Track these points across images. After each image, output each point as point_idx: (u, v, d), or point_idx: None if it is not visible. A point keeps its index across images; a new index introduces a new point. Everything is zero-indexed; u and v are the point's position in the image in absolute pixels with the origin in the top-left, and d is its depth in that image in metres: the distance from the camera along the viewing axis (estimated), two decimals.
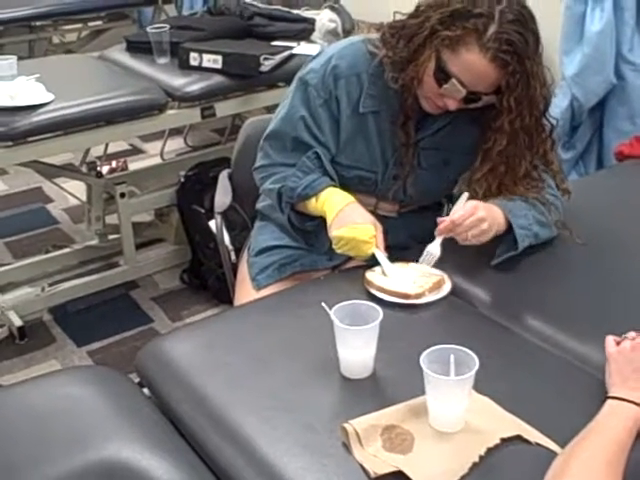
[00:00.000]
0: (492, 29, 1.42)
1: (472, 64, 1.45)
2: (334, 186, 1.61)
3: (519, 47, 1.42)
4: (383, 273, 1.53)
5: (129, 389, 1.33)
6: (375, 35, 1.62)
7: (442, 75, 1.48)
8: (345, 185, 1.64)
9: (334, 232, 1.54)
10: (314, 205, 1.60)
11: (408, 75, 1.53)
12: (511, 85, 1.45)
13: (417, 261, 1.55)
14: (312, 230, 1.67)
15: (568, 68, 2.37)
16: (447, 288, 1.51)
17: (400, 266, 1.55)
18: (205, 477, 1.15)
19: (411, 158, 1.65)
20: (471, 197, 1.57)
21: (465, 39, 1.44)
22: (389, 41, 1.57)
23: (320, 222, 1.61)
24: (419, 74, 1.51)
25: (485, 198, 1.57)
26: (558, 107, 2.39)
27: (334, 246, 1.56)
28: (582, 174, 2.52)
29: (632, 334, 1.26)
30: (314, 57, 1.68)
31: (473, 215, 1.48)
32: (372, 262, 1.55)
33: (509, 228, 1.54)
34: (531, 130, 1.53)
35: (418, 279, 1.51)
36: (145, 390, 1.36)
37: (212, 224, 2.16)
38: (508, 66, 1.43)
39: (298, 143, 1.64)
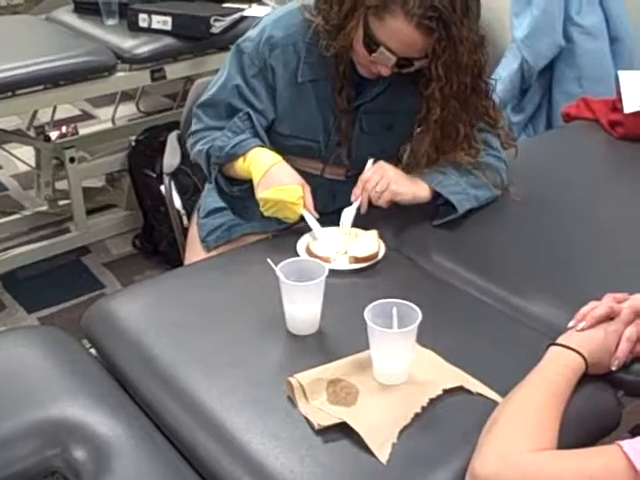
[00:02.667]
0: None
1: (398, 31, 1.43)
2: (263, 146, 1.57)
3: (444, 13, 1.40)
4: (312, 237, 1.53)
5: (74, 348, 1.33)
6: (311, 1, 1.60)
7: (371, 43, 1.47)
8: (289, 153, 1.63)
9: (260, 194, 1.52)
10: (241, 166, 1.56)
11: (339, 43, 1.51)
12: (437, 52, 1.44)
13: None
14: (239, 197, 1.64)
15: (518, 30, 2.38)
16: (375, 248, 1.51)
17: (331, 229, 1.56)
18: (150, 433, 1.15)
19: (351, 124, 1.65)
20: (414, 164, 1.60)
21: (390, 6, 1.41)
22: (323, 8, 1.54)
23: (248, 188, 1.59)
24: (348, 42, 1.50)
25: (427, 165, 1.60)
26: (508, 69, 2.41)
27: (261, 209, 1.54)
28: (532, 137, 2.54)
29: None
30: (254, 24, 1.65)
31: (378, 168, 1.55)
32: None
33: (442, 198, 1.57)
34: (463, 96, 1.51)
35: (345, 242, 1.52)
36: (92, 350, 1.36)
37: (163, 188, 2.14)
38: (434, 32, 1.41)
39: (233, 110, 1.61)
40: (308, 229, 1.56)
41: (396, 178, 1.55)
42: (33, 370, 1.25)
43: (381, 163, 1.57)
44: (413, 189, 1.56)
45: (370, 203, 1.56)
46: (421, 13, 1.40)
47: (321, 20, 1.54)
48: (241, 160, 1.56)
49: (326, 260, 1.46)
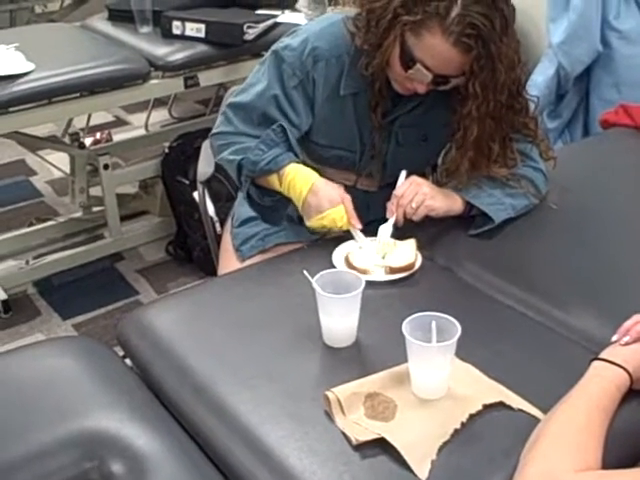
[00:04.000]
0: (455, 12, 1.38)
1: (435, 49, 1.41)
2: (297, 162, 1.55)
3: (483, 30, 1.38)
4: (351, 248, 1.52)
5: (110, 359, 1.33)
6: (354, 10, 1.58)
7: (407, 60, 1.45)
8: (324, 163, 1.62)
9: (307, 224, 1.53)
10: (277, 185, 1.55)
11: (376, 60, 1.50)
12: (475, 70, 1.42)
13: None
14: (271, 206, 1.62)
15: (554, 35, 2.35)
16: (412, 259, 1.49)
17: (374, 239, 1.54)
18: (187, 446, 1.15)
19: (387, 138, 1.64)
20: (447, 180, 1.59)
21: (427, 23, 1.40)
22: (362, 24, 1.53)
23: (280, 199, 1.58)
24: (385, 59, 1.49)
25: (461, 181, 1.58)
26: (544, 75, 2.38)
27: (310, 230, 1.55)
28: (568, 143, 2.50)
29: None
30: (291, 32, 1.63)
31: (412, 184, 1.53)
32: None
33: (478, 210, 1.55)
34: (499, 114, 1.49)
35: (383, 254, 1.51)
36: (127, 361, 1.36)
37: (196, 195, 2.14)
38: (472, 50, 1.40)
39: (266, 118, 1.58)
40: (343, 239, 1.55)
41: (431, 193, 1.53)
42: (69, 381, 1.25)
43: (414, 178, 1.55)
44: (447, 203, 1.55)
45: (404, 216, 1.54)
46: (459, 30, 1.38)
47: (361, 37, 1.53)
48: (277, 180, 1.55)
49: (364, 272, 1.45)
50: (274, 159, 1.54)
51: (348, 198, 1.52)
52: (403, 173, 1.59)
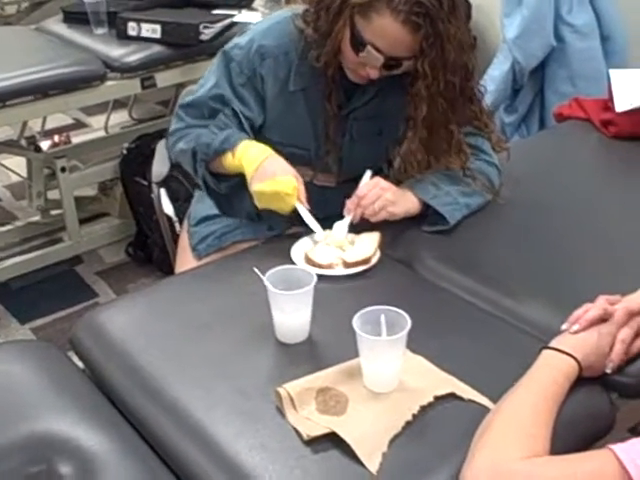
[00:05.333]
0: None
1: (384, 29, 1.41)
2: (250, 139, 1.56)
3: (430, 9, 1.38)
4: (310, 241, 1.52)
5: (62, 362, 1.31)
6: (301, 8, 1.58)
7: (358, 43, 1.45)
8: None
9: (255, 187, 1.50)
10: (230, 161, 1.54)
11: (328, 48, 1.50)
12: (424, 49, 1.42)
13: None
14: (226, 194, 1.62)
15: (509, 31, 2.37)
16: (368, 253, 1.49)
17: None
18: (138, 446, 1.13)
19: (342, 131, 1.63)
20: (405, 169, 1.59)
21: (375, 4, 1.40)
22: (311, 18, 1.53)
23: (236, 184, 1.57)
24: (336, 45, 1.49)
25: (418, 170, 1.58)
26: (499, 70, 2.40)
27: (256, 202, 1.52)
28: (525, 137, 2.53)
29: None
30: (241, 32, 1.63)
31: (376, 187, 1.52)
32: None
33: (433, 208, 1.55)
34: (450, 95, 1.49)
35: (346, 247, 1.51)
36: (80, 363, 1.34)
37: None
38: (420, 29, 1.40)
39: (216, 112, 1.59)
40: (300, 236, 1.54)
41: (393, 199, 1.53)
42: (19, 385, 1.23)
43: (379, 181, 1.54)
44: (407, 206, 1.55)
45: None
46: (407, 9, 1.39)
47: (311, 30, 1.53)
48: (230, 156, 1.54)
49: (328, 267, 1.45)
50: (227, 138, 1.54)
51: (301, 179, 1.52)
52: (368, 173, 1.58)
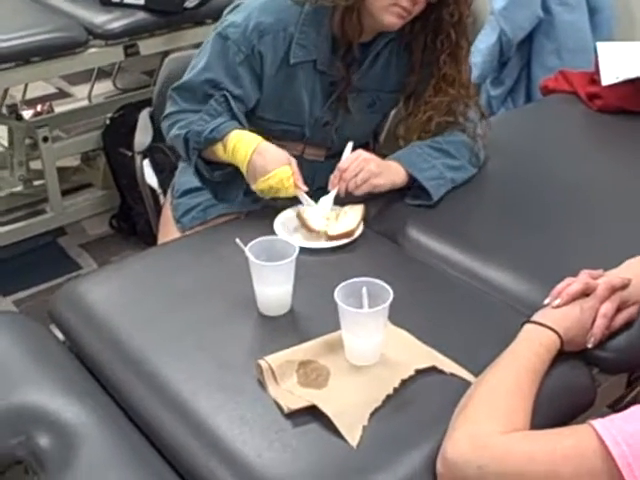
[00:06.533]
0: None
1: None
2: (241, 128, 1.53)
3: None
4: (298, 214, 1.51)
5: (41, 334, 1.29)
6: None
7: None
8: (271, 137, 1.59)
9: (253, 187, 1.51)
10: (222, 153, 1.52)
11: None
12: None
13: None
14: (221, 181, 1.60)
15: (497, 2, 2.34)
16: (351, 226, 1.49)
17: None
18: (117, 418, 1.12)
19: (344, 101, 1.63)
20: (398, 135, 1.61)
21: None
22: None
23: (229, 173, 1.56)
24: None
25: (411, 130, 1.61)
26: (486, 42, 2.38)
27: (260, 195, 1.53)
28: (511, 110, 2.51)
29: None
30: (232, 9, 1.60)
31: (358, 159, 1.51)
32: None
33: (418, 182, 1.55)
34: (465, 30, 1.55)
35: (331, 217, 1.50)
36: (59, 335, 1.33)
37: None
38: None
39: (209, 95, 1.56)
40: (282, 208, 1.53)
41: (377, 171, 1.51)
42: None
43: (361, 152, 1.53)
44: (391, 178, 1.54)
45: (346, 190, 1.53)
46: None
47: None
48: (221, 148, 1.52)
49: (317, 233, 1.46)
50: (217, 127, 1.51)
51: (294, 160, 1.51)
52: (349, 145, 1.58)
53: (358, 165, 1.50)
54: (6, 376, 1.17)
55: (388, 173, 1.54)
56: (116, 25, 2.48)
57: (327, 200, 1.53)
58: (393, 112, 1.83)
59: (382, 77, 1.65)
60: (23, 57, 2.34)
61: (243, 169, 1.50)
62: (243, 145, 1.50)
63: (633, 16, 2.45)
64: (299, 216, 1.49)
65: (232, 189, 1.63)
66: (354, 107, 1.65)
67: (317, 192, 1.55)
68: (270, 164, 1.48)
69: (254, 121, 1.62)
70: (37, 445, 1.07)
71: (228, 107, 1.55)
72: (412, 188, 1.57)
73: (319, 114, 1.64)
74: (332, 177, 1.53)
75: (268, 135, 1.57)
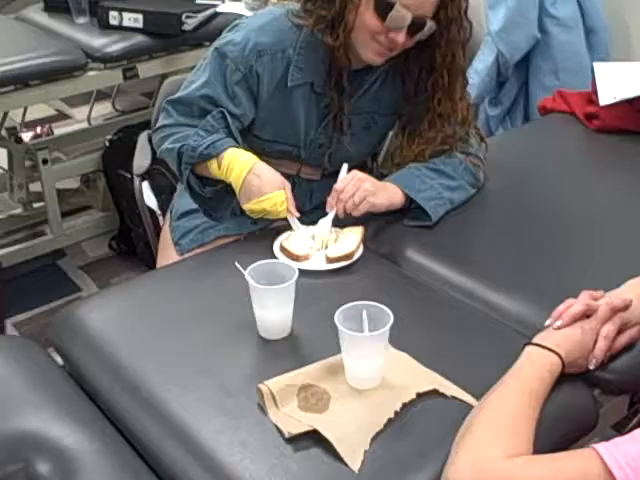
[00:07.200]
0: None
1: None
2: (237, 147, 1.53)
3: None
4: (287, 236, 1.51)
5: (41, 358, 1.29)
6: (293, 3, 1.58)
7: (383, 6, 1.44)
8: (267, 156, 1.59)
9: (244, 206, 1.50)
10: (216, 169, 1.51)
11: (341, 28, 1.49)
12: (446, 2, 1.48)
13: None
14: (211, 198, 1.59)
15: (493, 23, 2.36)
16: (351, 248, 1.48)
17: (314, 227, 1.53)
18: (117, 443, 1.12)
19: (339, 124, 1.63)
20: (390, 161, 1.60)
21: None
22: (310, 9, 1.53)
23: (221, 189, 1.56)
24: (354, 19, 1.48)
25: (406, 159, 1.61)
26: (484, 62, 2.39)
27: (249, 214, 1.52)
28: (509, 129, 2.52)
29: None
30: (231, 28, 1.61)
31: (353, 179, 1.51)
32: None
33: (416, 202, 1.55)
34: (463, 40, 1.54)
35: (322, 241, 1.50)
36: (59, 359, 1.33)
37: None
38: None
39: (206, 111, 1.56)
40: (282, 230, 1.53)
41: (373, 190, 1.52)
42: None
43: (356, 173, 1.53)
44: (388, 198, 1.54)
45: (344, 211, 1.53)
46: None
47: (314, 19, 1.52)
48: (216, 165, 1.51)
49: (304, 258, 1.44)
50: (213, 144, 1.51)
51: (288, 185, 1.51)
52: (345, 166, 1.58)
53: (354, 185, 1.51)
54: (5, 401, 1.17)
55: (384, 192, 1.54)
56: (115, 48, 2.48)
57: (326, 222, 1.52)
58: (391, 133, 1.83)
59: (377, 100, 1.65)
60: (23, 81, 2.34)
61: (236, 187, 1.50)
62: (238, 164, 1.50)
63: (629, 36, 2.46)
64: (282, 249, 1.47)
65: (222, 206, 1.63)
66: (349, 129, 1.66)
67: (314, 211, 1.56)
68: (266, 186, 1.48)
69: (250, 140, 1.62)
70: (36, 471, 1.06)
71: (225, 124, 1.55)
72: (411, 209, 1.57)
73: (314, 136, 1.65)
74: (329, 199, 1.53)
75: (264, 154, 1.58)
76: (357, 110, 1.65)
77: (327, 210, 1.53)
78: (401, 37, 1.48)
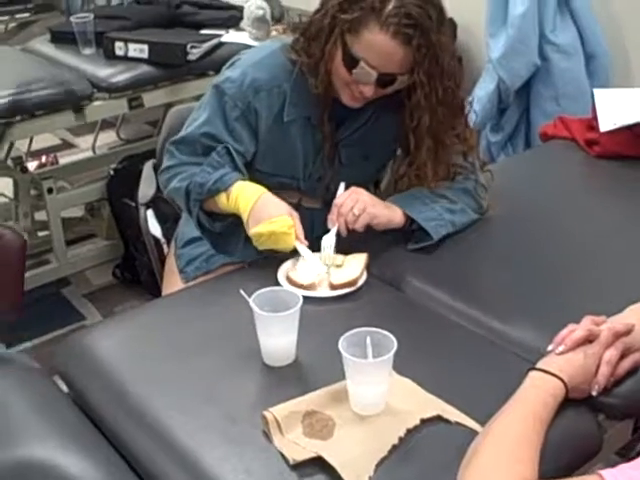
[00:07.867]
0: (390, 5, 1.40)
1: (375, 44, 1.43)
2: (244, 179, 1.55)
3: (420, 20, 1.40)
4: (292, 264, 1.51)
5: (46, 386, 1.29)
6: (291, 38, 1.60)
7: (350, 60, 1.46)
8: (267, 188, 1.59)
9: (252, 230, 1.49)
10: (224, 202, 1.53)
11: (321, 72, 1.51)
12: (418, 60, 1.44)
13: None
14: (221, 233, 1.60)
15: (494, 51, 2.39)
16: (355, 275, 1.48)
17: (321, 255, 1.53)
18: (123, 472, 1.12)
19: (332, 157, 1.65)
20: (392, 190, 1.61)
21: (364, 20, 1.42)
22: (301, 46, 1.55)
23: (229, 224, 1.57)
24: (329, 67, 1.50)
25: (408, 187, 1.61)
26: (485, 90, 2.41)
27: (255, 243, 1.51)
28: (510, 156, 2.54)
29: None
30: (230, 65, 1.64)
31: (352, 193, 1.53)
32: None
33: (418, 224, 1.55)
34: (449, 101, 1.51)
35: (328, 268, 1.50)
36: (64, 386, 1.33)
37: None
38: (412, 40, 1.41)
39: (209, 148, 1.58)
40: (287, 257, 1.54)
41: (372, 202, 1.53)
42: (1, 410, 1.21)
43: (354, 188, 1.55)
44: (388, 213, 1.55)
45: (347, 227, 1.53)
46: (397, 22, 1.40)
47: (303, 58, 1.54)
48: (224, 198, 1.52)
49: (309, 287, 1.44)
50: (221, 178, 1.53)
51: (296, 214, 1.52)
52: (342, 184, 1.59)
53: (353, 198, 1.52)
54: (10, 428, 1.17)
55: (384, 207, 1.55)
56: (120, 78, 2.51)
57: (329, 238, 1.53)
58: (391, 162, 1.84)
59: (372, 131, 1.66)
60: (28, 111, 2.37)
61: (244, 216, 1.51)
62: (246, 194, 1.51)
63: (629, 63, 2.49)
64: (288, 279, 1.48)
65: (232, 240, 1.63)
66: (347, 160, 1.67)
67: (317, 240, 1.56)
68: (275, 211, 1.49)
69: (251, 173, 1.64)
70: None
71: (230, 159, 1.57)
72: (413, 233, 1.58)
73: (312, 168, 1.66)
74: (330, 215, 1.54)
75: (265, 186, 1.59)
76: (352, 142, 1.66)
77: (329, 227, 1.54)
78: (368, 90, 1.49)
